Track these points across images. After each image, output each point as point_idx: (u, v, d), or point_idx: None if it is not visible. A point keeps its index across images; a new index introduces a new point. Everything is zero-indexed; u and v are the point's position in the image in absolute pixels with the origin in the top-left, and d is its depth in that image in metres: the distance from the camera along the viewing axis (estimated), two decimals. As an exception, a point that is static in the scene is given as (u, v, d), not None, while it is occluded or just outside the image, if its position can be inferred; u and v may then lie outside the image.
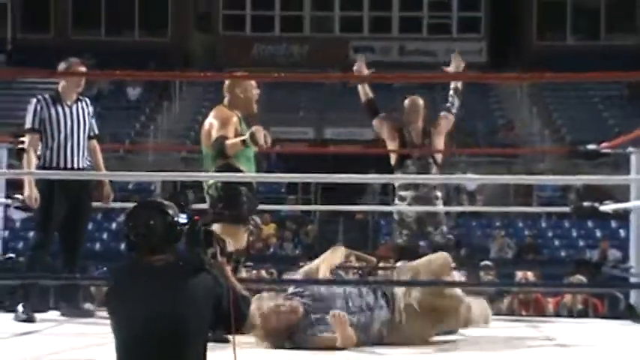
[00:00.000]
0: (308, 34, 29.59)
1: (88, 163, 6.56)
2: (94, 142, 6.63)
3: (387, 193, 20.73)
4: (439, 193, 7.01)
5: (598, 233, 19.91)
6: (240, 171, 5.60)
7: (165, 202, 3.42)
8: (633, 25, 29.36)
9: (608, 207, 7.24)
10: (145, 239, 3.35)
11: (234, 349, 3.33)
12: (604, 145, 7.20)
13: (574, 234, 20.43)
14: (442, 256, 5.64)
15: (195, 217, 3.38)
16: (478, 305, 5.66)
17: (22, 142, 6.50)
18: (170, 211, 3.35)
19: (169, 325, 3.24)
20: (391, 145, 7.01)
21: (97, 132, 6.65)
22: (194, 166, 21.94)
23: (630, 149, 7.20)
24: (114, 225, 21.07)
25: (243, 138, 5.45)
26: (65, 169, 6.35)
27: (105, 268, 11.45)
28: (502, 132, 24.66)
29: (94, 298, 11.56)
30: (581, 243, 20.00)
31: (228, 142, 5.48)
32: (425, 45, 28.89)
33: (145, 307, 3.28)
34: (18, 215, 18.34)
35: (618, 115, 24.65)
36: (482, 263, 10.91)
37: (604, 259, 17.71)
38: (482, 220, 20.47)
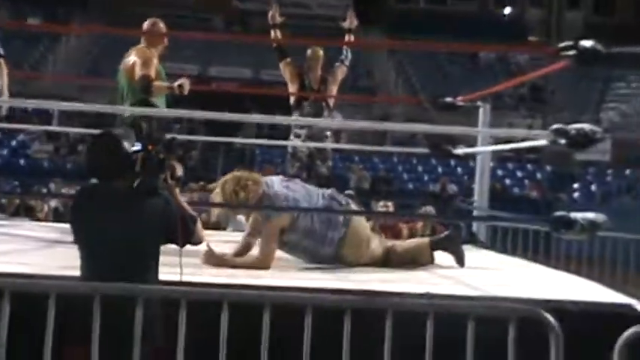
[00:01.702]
0: (196, -19, 29.25)
1: None
2: (1, 61, 6.52)
3: (261, 127, 20.97)
4: (329, 133, 7.31)
5: (440, 170, 20.65)
6: (154, 106, 5.75)
7: (122, 132, 3.52)
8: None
9: (460, 150, 7.68)
10: (104, 166, 3.44)
11: (181, 263, 3.50)
12: (459, 98, 7.57)
13: (420, 169, 21.12)
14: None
15: (150, 146, 3.47)
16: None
17: None
18: (126, 141, 3.44)
19: (126, 243, 3.34)
20: (291, 87, 7.22)
21: (2, 53, 6.53)
22: (90, 94, 21.64)
23: (479, 103, 7.62)
24: (13, 142, 20.68)
25: (170, 85, 5.60)
26: None
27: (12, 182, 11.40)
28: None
29: (5, 209, 11.50)
30: (426, 178, 20.71)
31: (156, 84, 5.61)
32: (299, -2, 28.99)
33: (104, 226, 3.36)
34: None
35: (461, 71, 25.44)
36: (346, 192, 11.24)
37: (444, 191, 18.45)
38: (343, 154, 20.93)
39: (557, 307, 3.25)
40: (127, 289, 3.01)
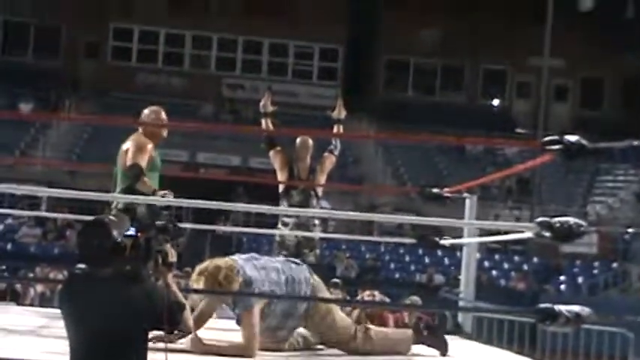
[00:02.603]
0: (187, 69, 29.67)
1: None
2: None
3: (249, 213, 21.00)
4: (317, 221, 7.36)
5: (427, 260, 20.66)
6: (143, 194, 5.80)
7: (112, 220, 3.55)
8: (462, 85, 30.67)
9: (446, 241, 7.74)
10: (93, 253, 3.46)
11: (166, 350, 3.51)
12: (446, 190, 7.67)
13: (407, 259, 21.13)
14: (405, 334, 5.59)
15: (139, 234, 3.50)
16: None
17: None
18: (115, 230, 3.48)
19: (113, 330, 3.37)
20: (280, 175, 7.29)
21: None
22: (80, 178, 21.74)
23: (465, 195, 7.72)
24: (1, 226, 20.67)
25: (155, 189, 5.67)
26: None
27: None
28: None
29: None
30: (413, 267, 20.70)
31: (145, 180, 5.69)
32: (289, 87, 29.35)
33: (92, 313, 3.39)
34: None
35: (448, 162, 25.69)
36: (332, 281, 11.23)
37: (430, 282, 18.46)
38: (330, 243, 20.95)
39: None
40: None
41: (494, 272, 21.18)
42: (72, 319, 3.44)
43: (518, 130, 28.20)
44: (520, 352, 9.33)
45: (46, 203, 20.76)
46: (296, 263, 5.39)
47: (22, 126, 25.32)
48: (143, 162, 5.77)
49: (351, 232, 19.42)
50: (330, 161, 7.44)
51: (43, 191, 5.52)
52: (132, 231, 3.52)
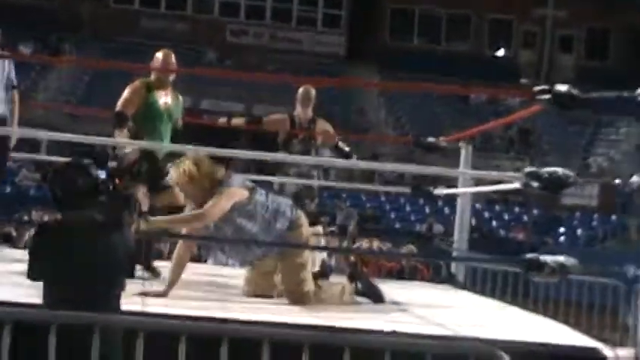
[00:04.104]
0: (190, 14, 29.44)
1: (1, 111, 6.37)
2: (14, 92, 6.49)
3: (249, 162, 20.95)
4: (315, 172, 7.31)
5: (427, 209, 20.69)
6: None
7: (87, 162, 3.52)
8: (467, 35, 30.39)
9: (440, 191, 7.72)
10: (69, 196, 3.44)
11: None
12: (441, 138, 7.63)
13: (407, 209, 21.16)
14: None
15: (117, 180, 3.48)
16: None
17: None
18: (92, 171, 3.46)
19: (90, 275, 3.37)
20: (282, 134, 7.21)
21: (14, 83, 6.51)
22: (78, 123, 21.69)
23: (461, 144, 7.67)
24: None
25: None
26: None
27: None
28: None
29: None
30: (413, 217, 20.74)
31: (120, 130, 5.71)
32: (293, 34, 29.15)
33: (69, 260, 3.38)
34: None
35: (450, 112, 25.56)
36: (330, 229, 11.29)
37: (430, 231, 18.49)
38: (330, 192, 20.97)
39: (514, 348, 3.26)
40: (85, 317, 3.01)
41: (494, 223, 21.22)
42: (48, 266, 3.42)
43: (523, 81, 28.03)
44: (513, 302, 9.37)
45: (46, 147, 20.74)
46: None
47: (22, 68, 25.06)
48: (128, 109, 5.73)
49: (352, 181, 19.42)
50: (328, 135, 7.34)
51: (43, 135, 5.52)
52: (103, 174, 3.49)
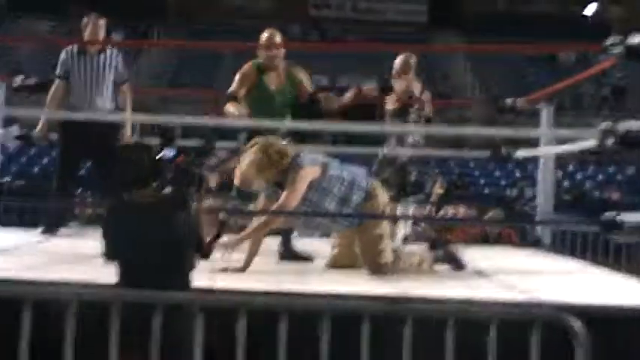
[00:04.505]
0: (273, -10, 29.56)
1: (109, 106, 6.52)
2: (124, 87, 6.59)
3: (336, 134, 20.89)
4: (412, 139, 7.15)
5: (517, 174, 20.31)
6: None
7: (149, 144, 3.53)
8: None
9: (520, 153, 7.53)
10: (133, 175, 3.44)
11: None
12: (519, 100, 7.43)
13: (497, 174, 20.82)
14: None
15: (180, 158, 3.47)
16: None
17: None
18: (154, 151, 3.46)
19: (157, 253, 3.38)
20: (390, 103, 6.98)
21: (125, 78, 6.61)
22: (168, 104, 22.01)
23: (541, 105, 7.46)
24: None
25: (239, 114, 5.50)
26: (83, 110, 6.36)
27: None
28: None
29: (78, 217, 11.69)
30: (503, 182, 20.40)
31: (228, 108, 5.49)
32: (375, 5, 28.92)
33: (136, 239, 3.40)
34: (12, 143, 18.35)
35: (539, 73, 24.99)
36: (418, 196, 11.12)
37: (521, 196, 18.17)
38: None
39: (585, 312, 3.13)
40: (148, 296, 3.01)
41: (587, 184, 20.71)
42: (117, 248, 3.44)
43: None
44: (604, 263, 9.15)
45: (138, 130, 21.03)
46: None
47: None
48: (239, 90, 5.64)
49: (441, 147, 19.13)
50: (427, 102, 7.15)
51: (135, 118, 5.58)
52: (171, 153, 3.49)
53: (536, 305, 3.45)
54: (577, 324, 2.78)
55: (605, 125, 4.41)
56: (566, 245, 9.28)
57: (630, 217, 4.32)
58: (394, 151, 6.96)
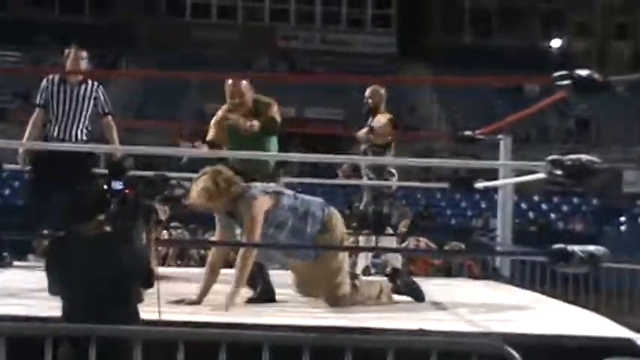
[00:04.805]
0: (241, 22, 29.63)
1: (85, 138, 6.37)
2: (106, 119, 6.45)
3: (303, 164, 20.96)
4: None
5: (483, 204, 20.43)
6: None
7: (96, 173, 3.52)
8: (519, 28, 30.00)
9: (480, 184, 7.58)
10: (77, 208, 3.43)
11: (159, 301, 3.50)
12: (478, 131, 7.49)
13: (463, 204, 20.93)
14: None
15: (127, 190, 3.45)
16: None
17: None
18: (98, 180, 3.45)
19: (103, 289, 3.36)
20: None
21: (106, 110, 6.46)
22: (138, 137, 21.92)
23: (500, 136, 7.52)
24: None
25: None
26: (60, 140, 6.25)
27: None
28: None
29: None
30: (469, 212, 20.50)
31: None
32: (343, 36, 29.13)
33: (80, 275, 3.37)
34: None
35: (507, 105, 25.21)
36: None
37: (486, 227, 18.25)
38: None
39: (523, 342, 3.15)
40: (125, 331, 3.00)
41: (552, 215, 20.86)
42: (62, 283, 3.42)
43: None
44: (574, 295, 9.19)
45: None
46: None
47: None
48: (211, 136, 5.65)
49: (407, 179, 19.21)
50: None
51: (98, 148, 5.48)
52: (119, 185, 3.47)
53: (477, 335, 3.47)
54: (515, 354, 2.79)
55: (552, 157, 4.45)
56: (526, 277, 9.33)
57: (578, 248, 4.34)
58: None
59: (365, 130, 6.94)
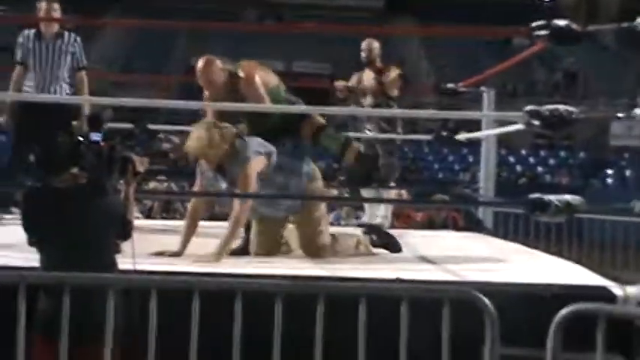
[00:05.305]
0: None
1: (67, 92, 6.29)
2: (80, 74, 6.32)
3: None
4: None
5: (470, 158, 20.48)
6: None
7: (70, 128, 3.51)
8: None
9: (462, 136, 7.61)
10: (51, 159, 3.43)
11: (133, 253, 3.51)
12: (461, 84, 7.51)
13: (450, 159, 20.98)
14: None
15: (103, 143, 3.44)
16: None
17: None
18: (73, 132, 3.45)
19: (77, 241, 3.37)
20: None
21: (82, 65, 6.33)
22: (121, 90, 21.84)
23: (482, 88, 7.55)
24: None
25: None
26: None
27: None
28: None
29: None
30: (457, 167, 20.56)
31: None
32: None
33: (57, 224, 3.38)
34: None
35: (495, 58, 25.14)
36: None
37: (473, 181, 18.31)
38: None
39: (494, 289, 3.19)
40: (97, 279, 3.02)
41: (539, 168, 20.94)
42: (39, 237, 3.43)
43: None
44: (557, 247, 9.26)
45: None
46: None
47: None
48: None
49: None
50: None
51: (84, 99, 5.41)
52: (97, 137, 3.47)
53: (450, 284, 3.51)
54: (486, 300, 2.83)
55: (530, 107, 4.47)
56: (509, 228, 9.39)
57: (554, 198, 4.38)
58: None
59: (371, 83, 7.07)
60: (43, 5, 6.38)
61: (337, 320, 2.95)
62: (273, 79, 5.31)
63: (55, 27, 6.31)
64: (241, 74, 5.12)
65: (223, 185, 4.97)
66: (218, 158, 4.88)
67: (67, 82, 6.35)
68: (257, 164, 4.87)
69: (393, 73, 7.15)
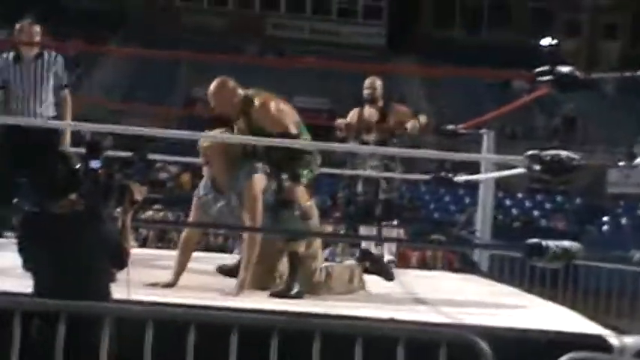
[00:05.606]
0: (231, 9, 29.55)
1: (51, 114, 6.14)
2: (64, 92, 6.16)
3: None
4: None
5: (467, 200, 20.48)
6: None
7: (67, 151, 3.49)
8: (509, 23, 30.04)
9: (461, 178, 7.61)
10: (49, 185, 3.43)
11: (128, 282, 3.50)
12: (460, 126, 7.53)
13: (447, 199, 20.97)
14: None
15: (100, 170, 3.44)
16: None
17: None
18: (72, 159, 3.42)
19: (72, 268, 3.36)
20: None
21: (64, 83, 6.15)
22: (121, 118, 21.86)
23: (482, 130, 7.57)
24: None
25: None
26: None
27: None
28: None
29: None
30: (453, 207, 20.55)
31: None
32: (334, 27, 29.09)
33: (51, 250, 3.38)
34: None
35: (495, 101, 25.24)
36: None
37: (469, 222, 18.30)
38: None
39: (490, 333, 3.18)
40: (93, 307, 3.01)
41: (535, 212, 20.94)
42: (33, 263, 3.42)
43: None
44: (553, 293, 9.23)
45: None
46: None
47: (68, 66, 25.35)
48: None
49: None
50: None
51: (82, 126, 5.38)
52: (96, 164, 3.46)
53: (447, 326, 3.50)
54: (483, 344, 2.82)
55: (531, 152, 4.47)
56: (505, 272, 9.38)
57: (553, 244, 4.37)
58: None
59: (374, 119, 7.09)
60: (24, 27, 6.24)
61: (332, 358, 2.94)
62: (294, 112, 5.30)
63: (35, 49, 6.12)
64: (257, 102, 5.10)
65: (220, 204, 4.96)
66: (233, 155, 4.92)
67: (52, 101, 6.14)
68: (259, 181, 4.88)
69: (404, 109, 7.24)
